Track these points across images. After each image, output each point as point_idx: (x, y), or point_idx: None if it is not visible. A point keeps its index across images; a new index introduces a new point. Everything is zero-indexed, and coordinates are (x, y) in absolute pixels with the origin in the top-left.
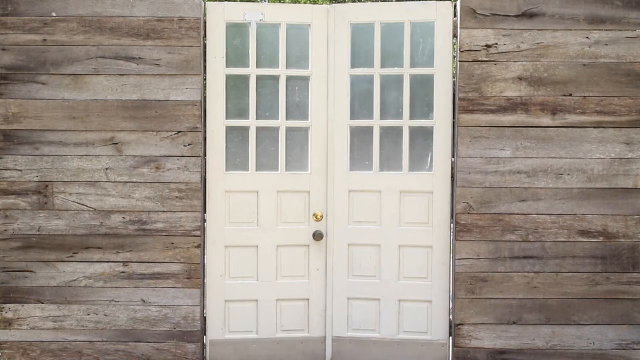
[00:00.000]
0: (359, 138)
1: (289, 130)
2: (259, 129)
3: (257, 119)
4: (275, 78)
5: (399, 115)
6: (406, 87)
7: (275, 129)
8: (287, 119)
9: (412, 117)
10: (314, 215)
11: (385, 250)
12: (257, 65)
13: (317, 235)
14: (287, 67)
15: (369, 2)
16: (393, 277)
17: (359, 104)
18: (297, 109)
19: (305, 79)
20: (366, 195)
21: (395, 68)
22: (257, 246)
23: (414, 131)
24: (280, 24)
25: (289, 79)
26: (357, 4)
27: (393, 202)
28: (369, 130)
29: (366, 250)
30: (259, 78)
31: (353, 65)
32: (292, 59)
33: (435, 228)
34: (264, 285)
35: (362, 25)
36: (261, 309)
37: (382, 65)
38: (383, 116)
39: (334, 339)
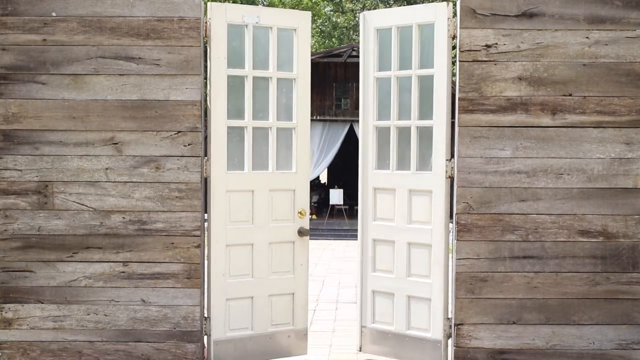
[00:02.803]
0: (380, 138)
1: (279, 130)
2: (254, 129)
3: (253, 119)
4: (267, 79)
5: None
6: (414, 88)
7: (267, 129)
8: (277, 120)
9: (420, 117)
10: (298, 212)
11: (398, 247)
12: (253, 67)
13: (304, 232)
14: (277, 70)
15: (391, 7)
16: (403, 273)
17: (382, 105)
18: (285, 110)
19: (291, 81)
20: (385, 193)
21: (406, 70)
22: (252, 244)
23: (422, 131)
24: (272, 27)
25: (279, 80)
26: (383, 9)
27: (404, 201)
28: (387, 130)
29: (385, 247)
30: (254, 79)
31: (380, 69)
32: (282, 61)
33: (434, 227)
34: (258, 282)
35: (384, 30)
36: (256, 306)
37: (400, 68)
38: (400, 117)
39: (362, 329)
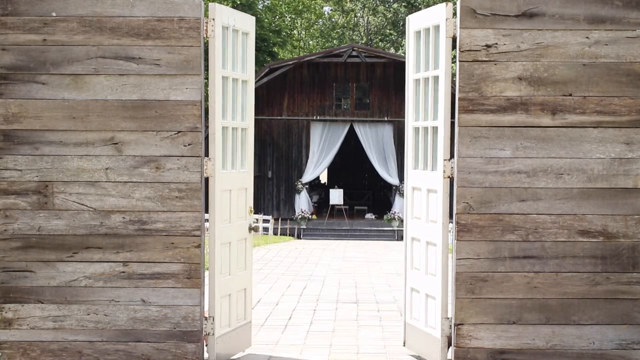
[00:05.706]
0: (416, 138)
1: (242, 130)
2: (230, 129)
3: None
4: (236, 80)
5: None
6: (430, 89)
7: (235, 129)
8: (241, 120)
9: (433, 118)
10: (250, 208)
11: (422, 245)
12: (231, 69)
13: (254, 228)
14: (241, 72)
15: (425, 9)
16: (424, 271)
17: (418, 106)
18: (241, 111)
19: (245, 82)
20: (417, 192)
21: (427, 71)
22: (230, 242)
23: (435, 131)
24: (239, 30)
25: (243, 82)
26: (421, 11)
27: (424, 200)
28: (418, 130)
29: (418, 244)
30: (231, 80)
31: (416, 70)
32: (242, 64)
33: (438, 226)
34: (233, 279)
35: (418, 32)
36: (232, 302)
37: (426, 69)
38: (426, 117)
39: (405, 325)
